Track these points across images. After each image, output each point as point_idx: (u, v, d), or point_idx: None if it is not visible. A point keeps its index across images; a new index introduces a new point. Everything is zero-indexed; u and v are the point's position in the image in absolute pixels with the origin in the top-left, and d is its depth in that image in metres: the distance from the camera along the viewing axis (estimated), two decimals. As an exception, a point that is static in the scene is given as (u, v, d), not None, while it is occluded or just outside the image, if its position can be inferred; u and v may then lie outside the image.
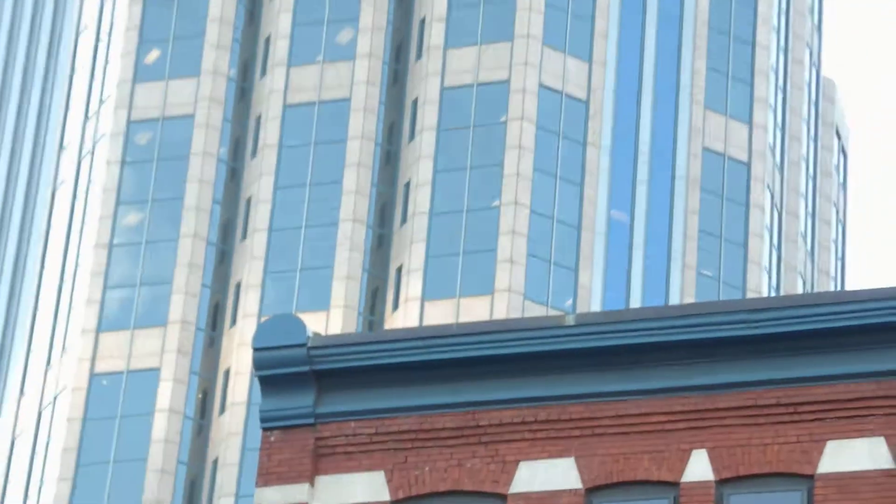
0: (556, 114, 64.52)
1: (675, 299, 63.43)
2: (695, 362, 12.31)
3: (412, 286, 62.63)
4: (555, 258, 62.90)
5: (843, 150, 78.56)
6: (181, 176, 64.42)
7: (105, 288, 63.35)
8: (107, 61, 68.52)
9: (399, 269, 63.69)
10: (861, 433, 11.58)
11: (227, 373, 62.63)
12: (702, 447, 11.90)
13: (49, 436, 61.86)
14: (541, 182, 63.67)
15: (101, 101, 67.52)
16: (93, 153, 66.61)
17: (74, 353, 62.29)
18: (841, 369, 11.83)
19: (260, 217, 64.05)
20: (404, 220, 64.39)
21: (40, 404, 63.11)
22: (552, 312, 57.60)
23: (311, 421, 13.77)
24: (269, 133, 65.67)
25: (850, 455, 11.46)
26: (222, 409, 62.34)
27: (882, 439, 11.32)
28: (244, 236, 64.72)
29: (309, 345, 13.54)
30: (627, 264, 64.89)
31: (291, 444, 13.47)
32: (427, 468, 12.97)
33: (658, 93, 66.73)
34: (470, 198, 63.09)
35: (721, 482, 11.76)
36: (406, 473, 12.93)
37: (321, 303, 61.92)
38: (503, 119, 64.02)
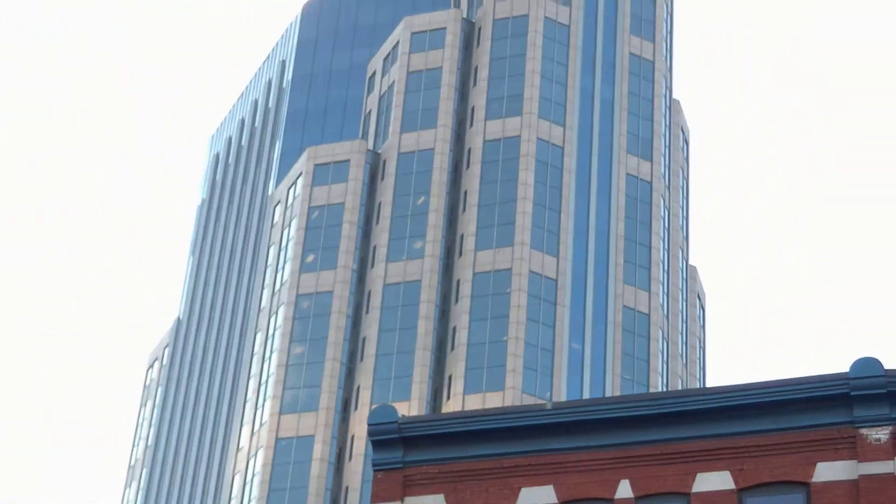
0: (539, 298, 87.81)
1: (610, 393, 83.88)
2: (627, 429, 17.64)
3: (456, 386, 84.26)
4: (540, 369, 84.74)
5: (702, 307, 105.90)
6: (325, 324, 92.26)
7: (284, 389, 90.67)
8: (285, 261, 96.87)
9: (450, 377, 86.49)
10: (717, 468, 17.02)
11: (353, 438, 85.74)
12: (626, 478, 17.20)
13: (254, 473, 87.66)
14: (531, 328, 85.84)
15: (282, 283, 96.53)
16: (277, 312, 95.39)
17: (267, 426, 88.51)
18: (707, 430, 17.33)
19: (369, 349, 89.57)
20: (453, 348, 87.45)
21: (248, 454, 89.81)
22: (538, 401, 73.47)
23: (401, 465, 19.12)
24: (375, 299, 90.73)
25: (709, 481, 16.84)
26: (350, 458, 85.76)
27: (728, 472, 16.85)
28: (361, 359, 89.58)
29: (399, 422, 19.17)
30: (581, 376, 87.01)
31: (390, 479, 18.86)
32: (468, 493, 18.25)
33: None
34: (490, 335, 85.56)
35: (638, 498, 17.07)
36: (457, 496, 18.44)
37: (405, 396, 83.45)
38: (508, 290, 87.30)
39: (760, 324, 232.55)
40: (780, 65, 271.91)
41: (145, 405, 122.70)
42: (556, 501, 18.10)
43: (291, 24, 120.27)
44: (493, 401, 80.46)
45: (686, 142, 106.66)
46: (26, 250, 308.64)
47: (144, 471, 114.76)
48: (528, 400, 77.19)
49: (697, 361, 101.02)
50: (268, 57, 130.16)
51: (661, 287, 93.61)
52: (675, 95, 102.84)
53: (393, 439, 20.00)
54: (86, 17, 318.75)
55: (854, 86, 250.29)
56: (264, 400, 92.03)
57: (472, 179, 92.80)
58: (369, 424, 20.45)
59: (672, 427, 17.66)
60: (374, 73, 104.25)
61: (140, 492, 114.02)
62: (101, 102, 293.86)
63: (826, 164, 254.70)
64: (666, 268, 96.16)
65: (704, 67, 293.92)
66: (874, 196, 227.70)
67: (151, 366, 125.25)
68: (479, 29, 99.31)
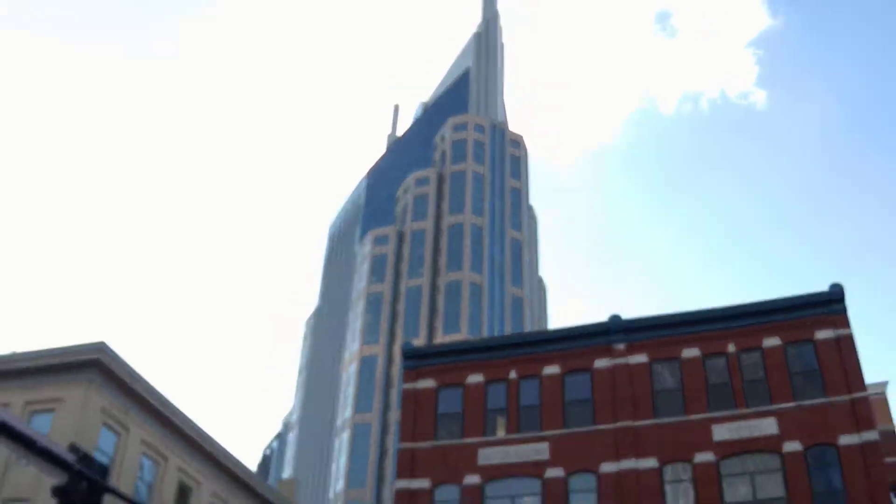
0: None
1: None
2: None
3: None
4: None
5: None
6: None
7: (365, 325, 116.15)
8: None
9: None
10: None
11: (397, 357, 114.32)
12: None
13: (350, 378, 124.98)
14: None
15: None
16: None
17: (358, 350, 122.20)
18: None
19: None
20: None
21: (349, 365, 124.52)
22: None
23: (414, 367, 36.45)
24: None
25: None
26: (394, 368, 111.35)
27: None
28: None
29: (412, 348, 40.15)
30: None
31: (409, 374, 35.70)
32: (445, 376, 35.26)
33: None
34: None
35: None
36: (440, 378, 35.28)
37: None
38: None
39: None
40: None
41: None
42: (482, 381, 35.39)
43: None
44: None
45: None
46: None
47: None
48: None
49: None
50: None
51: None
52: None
53: (410, 356, 37.40)
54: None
55: None
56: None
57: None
58: (402, 349, 38.01)
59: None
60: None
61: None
62: None
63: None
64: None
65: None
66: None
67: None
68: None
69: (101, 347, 39.20)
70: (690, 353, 33.12)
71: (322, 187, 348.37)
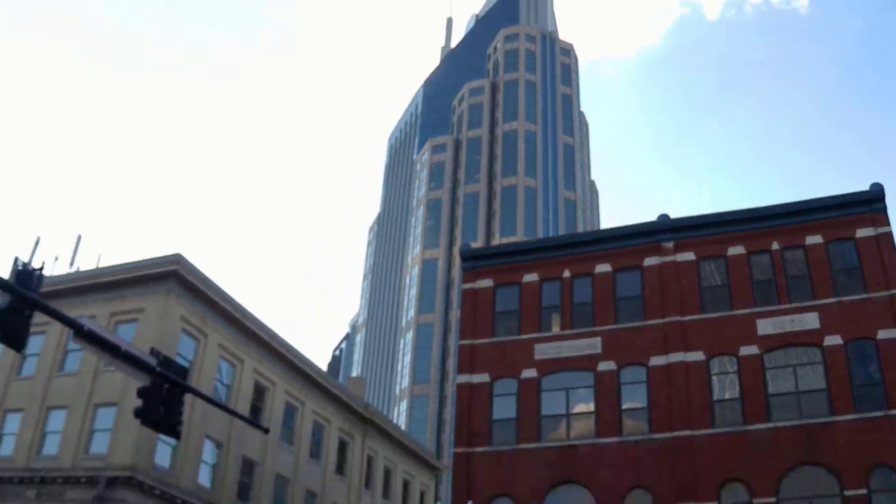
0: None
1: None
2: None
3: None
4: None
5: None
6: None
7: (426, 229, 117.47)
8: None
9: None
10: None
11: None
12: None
13: (412, 280, 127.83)
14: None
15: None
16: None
17: (419, 255, 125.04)
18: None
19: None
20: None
21: (411, 268, 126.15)
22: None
23: (472, 267, 37.19)
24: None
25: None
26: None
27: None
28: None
29: (470, 249, 41.12)
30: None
31: (468, 274, 35.97)
32: (502, 276, 36.21)
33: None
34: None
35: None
36: (498, 278, 35.88)
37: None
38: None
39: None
40: None
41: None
42: (537, 280, 35.85)
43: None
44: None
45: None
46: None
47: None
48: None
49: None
50: None
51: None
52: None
53: (468, 258, 38.01)
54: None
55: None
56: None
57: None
58: (460, 251, 39.00)
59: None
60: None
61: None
62: None
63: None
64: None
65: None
66: None
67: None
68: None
69: (178, 259, 40.53)
70: (736, 250, 33.34)
71: (381, 101, 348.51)
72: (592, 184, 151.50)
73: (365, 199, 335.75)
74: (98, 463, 37.69)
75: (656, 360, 31.74)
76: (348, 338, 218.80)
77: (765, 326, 31.28)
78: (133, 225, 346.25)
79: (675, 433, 30.56)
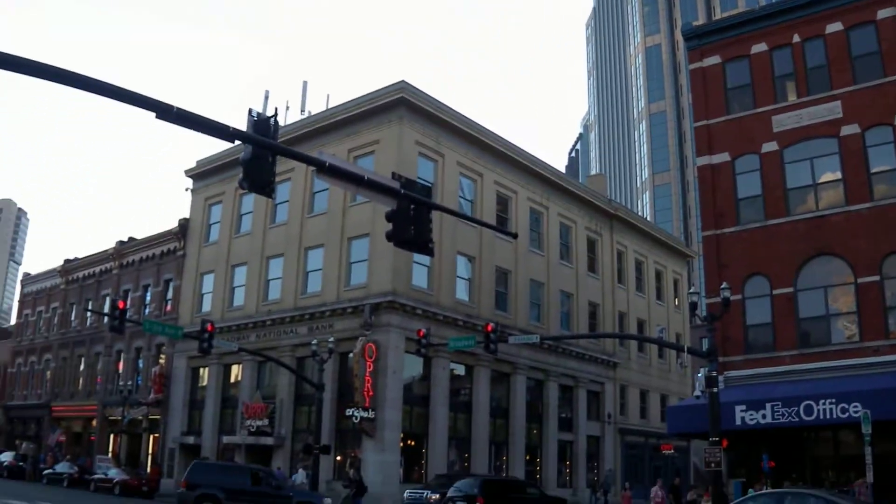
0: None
1: None
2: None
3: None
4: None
5: None
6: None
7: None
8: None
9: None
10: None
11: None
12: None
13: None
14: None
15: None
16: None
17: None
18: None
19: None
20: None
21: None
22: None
23: None
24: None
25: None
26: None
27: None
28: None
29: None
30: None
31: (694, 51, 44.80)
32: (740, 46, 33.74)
33: None
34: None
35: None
36: (731, 51, 33.23)
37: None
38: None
39: None
40: None
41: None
42: (766, 49, 33.57)
43: None
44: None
45: None
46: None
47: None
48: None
49: None
50: None
51: None
52: None
53: (691, 36, 36.81)
54: None
55: None
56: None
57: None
58: (682, 31, 37.26)
59: None
60: None
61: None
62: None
63: None
64: None
65: None
66: None
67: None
68: None
69: (404, 86, 41.40)
70: None
71: None
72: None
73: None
74: (360, 293, 40.09)
75: (903, 117, 29.97)
76: (581, 138, 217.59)
77: None
78: (354, 62, 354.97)
79: (931, 190, 28.97)
